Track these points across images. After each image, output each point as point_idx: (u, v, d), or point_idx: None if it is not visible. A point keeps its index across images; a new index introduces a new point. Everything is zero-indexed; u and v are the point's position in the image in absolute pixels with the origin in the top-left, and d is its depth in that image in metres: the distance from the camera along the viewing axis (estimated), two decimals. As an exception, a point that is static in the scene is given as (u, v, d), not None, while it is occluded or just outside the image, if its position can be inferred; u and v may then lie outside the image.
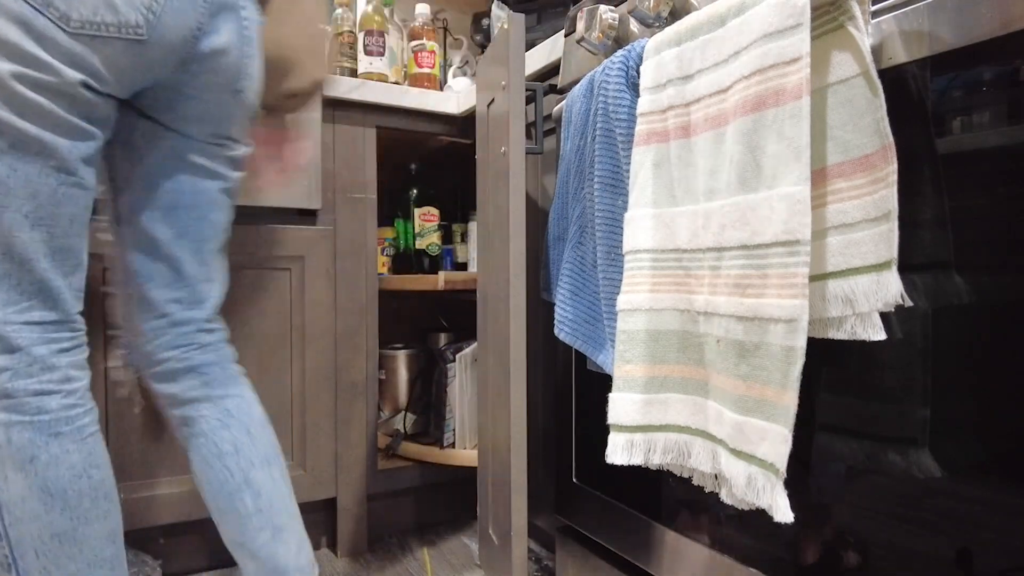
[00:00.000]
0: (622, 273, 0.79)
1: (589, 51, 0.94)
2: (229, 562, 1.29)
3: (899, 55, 0.59)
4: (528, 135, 1.21)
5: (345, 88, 1.33)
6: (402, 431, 1.54)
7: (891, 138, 0.54)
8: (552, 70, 1.17)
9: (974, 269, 0.56)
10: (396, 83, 1.61)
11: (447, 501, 1.53)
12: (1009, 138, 0.53)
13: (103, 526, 0.75)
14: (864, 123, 0.55)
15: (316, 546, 1.37)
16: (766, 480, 0.58)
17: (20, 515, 0.70)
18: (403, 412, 1.60)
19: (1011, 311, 0.53)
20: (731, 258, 0.64)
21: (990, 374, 0.55)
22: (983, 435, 0.55)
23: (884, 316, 0.58)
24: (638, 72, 0.79)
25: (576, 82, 1.04)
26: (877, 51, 0.61)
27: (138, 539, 1.20)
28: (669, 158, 0.74)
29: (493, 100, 1.04)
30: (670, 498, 0.89)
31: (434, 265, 1.62)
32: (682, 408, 0.72)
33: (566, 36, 1.08)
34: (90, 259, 1.09)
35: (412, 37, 1.64)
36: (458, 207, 1.78)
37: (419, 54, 1.62)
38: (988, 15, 0.53)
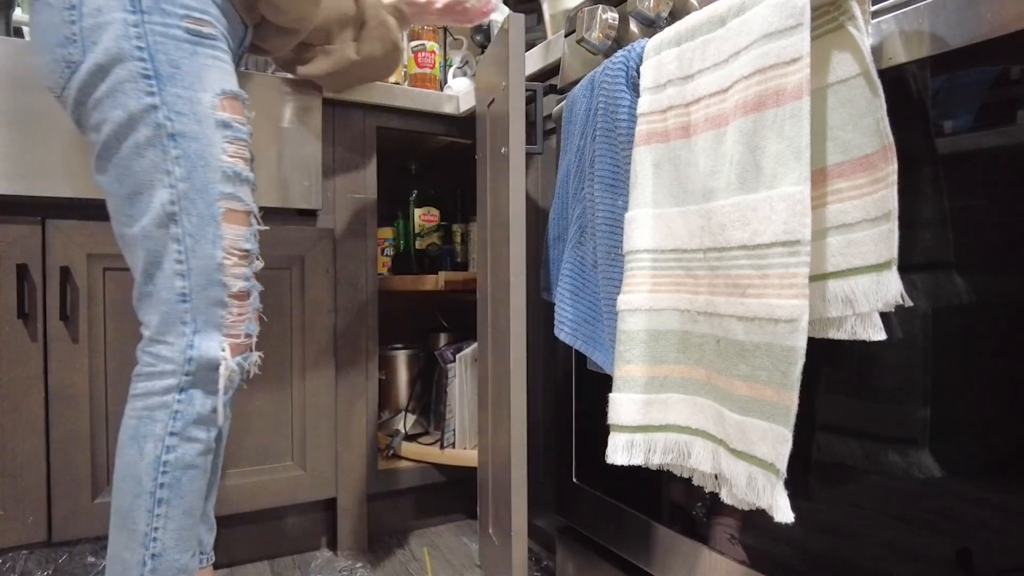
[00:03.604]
0: (622, 273, 0.79)
1: (589, 51, 0.94)
2: (229, 562, 1.29)
3: (899, 55, 0.59)
4: (528, 135, 1.21)
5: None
6: (402, 431, 1.54)
7: (891, 138, 0.54)
8: (552, 70, 1.17)
9: (974, 269, 0.56)
10: (396, 83, 1.61)
11: (447, 501, 1.53)
12: (1009, 138, 0.53)
13: None
14: (864, 123, 0.55)
15: (316, 546, 1.37)
16: (766, 480, 0.58)
17: None
18: (403, 412, 1.60)
19: (1011, 311, 0.53)
20: (731, 258, 0.64)
21: (990, 374, 0.55)
22: (983, 435, 0.55)
23: (884, 316, 0.58)
24: (638, 72, 0.79)
25: (576, 82, 1.04)
26: (877, 51, 0.61)
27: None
28: (669, 158, 0.74)
29: (493, 100, 1.04)
30: (670, 498, 0.89)
31: (434, 265, 1.62)
32: (682, 408, 0.72)
33: (566, 36, 1.08)
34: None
35: (412, 37, 1.64)
36: (458, 207, 1.78)
37: (419, 54, 1.62)
38: (988, 15, 0.53)
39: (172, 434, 0.82)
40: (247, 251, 0.87)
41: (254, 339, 0.90)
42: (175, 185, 0.80)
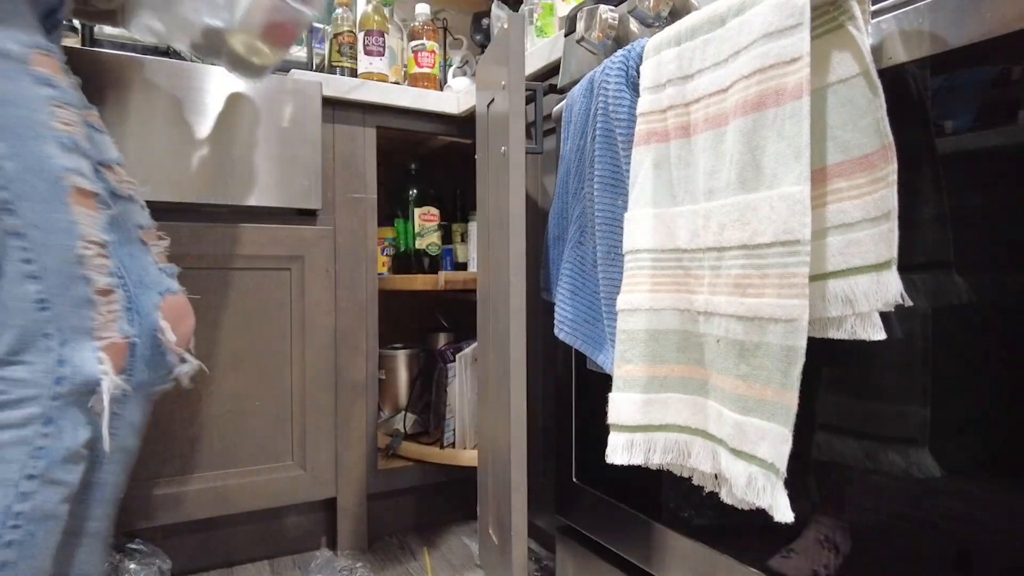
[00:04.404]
0: (622, 273, 0.79)
1: (589, 51, 0.94)
2: (229, 562, 1.29)
3: (899, 55, 0.59)
4: (528, 135, 1.21)
5: (345, 88, 1.33)
6: (402, 431, 1.54)
7: (891, 138, 0.54)
8: (552, 70, 1.17)
9: (974, 269, 0.56)
10: (396, 83, 1.61)
11: (447, 501, 1.53)
12: (1009, 138, 0.53)
13: None
14: (864, 123, 0.55)
15: (316, 546, 1.37)
16: (766, 480, 0.58)
17: None
18: (403, 412, 1.60)
19: (1011, 311, 0.53)
20: (731, 258, 0.64)
21: (990, 374, 0.55)
22: (983, 435, 0.55)
23: (884, 316, 0.58)
24: (638, 72, 0.79)
25: (576, 82, 1.04)
26: (877, 51, 0.61)
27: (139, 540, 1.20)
28: (669, 158, 0.74)
29: (493, 100, 1.04)
30: (670, 498, 0.89)
31: (434, 265, 1.62)
32: (682, 408, 0.72)
33: (566, 36, 1.08)
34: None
35: (412, 37, 1.64)
36: (458, 207, 1.78)
37: (419, 54, 1.62)
38: (988, 15, 0.53)
39: (30, 477, 0.64)
40: (105, 242, 0.72)
41: (133, 340, 0.75)
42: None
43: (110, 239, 0.73)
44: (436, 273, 1.48)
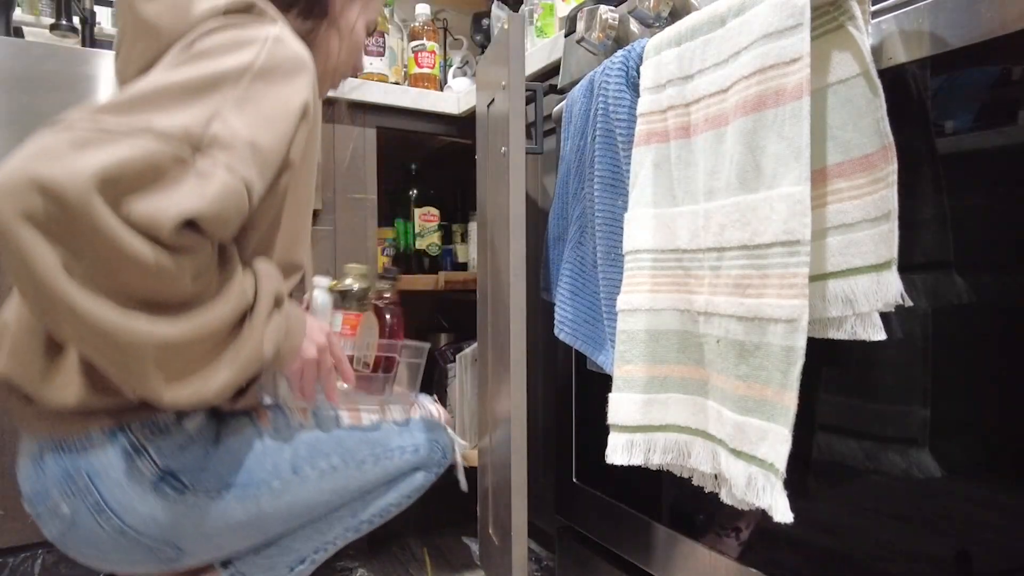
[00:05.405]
0: (622, 273, 0.79)
1: (589, 51, 0.94)
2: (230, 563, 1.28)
3: (899, 55, 0.59)
4: (528, 135, 1.21)
5: (345, 88, 1.32)
6: (402, 431, 1.54)
7: (891, 138, 0.54)
8: (552, 70, 1.17)
9: (974, 269, 0.56)
10: (396, 83, 1.61)
11: (447, 501, 1.52)
12: (1009, 138, 0.53)
13: None
14: (864, 123, 0.55)
15: (316, 546, 1.37)
16: (766, 480, 0.58)
17: None
18: (403, 412, 1.59)
19: (1011, 311, 0.53)
20: (731, 258, 0.64)
21: (990, 374, 0.55)
22: (983, 435, 0.55)
23: (884, 316, 0.58)
24: (638, 72, 0.79)
25: (576, 82, 1.04)
26: (877, 51, 0.61)
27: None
28: (669, 158, 0.74)
29: (493, 100, 1.04)
30: (670, 498, 0.89)
31: (434, 265, 1.62)
32: (682, 408, 0.72)
33: (566, 36, 1.08)
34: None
35: (412, 37, 1.64)
36: (458, 207, 1.78)
37: (419, 54, 1.62)
38: (988, 15, 0.53)
39: (408, 496, 0.92)
40: (371, 407, 0.92)
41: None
42: (296, 463, 0.80)
43: (372, 407, 0.93)
44: (436, 273, 1.48)
